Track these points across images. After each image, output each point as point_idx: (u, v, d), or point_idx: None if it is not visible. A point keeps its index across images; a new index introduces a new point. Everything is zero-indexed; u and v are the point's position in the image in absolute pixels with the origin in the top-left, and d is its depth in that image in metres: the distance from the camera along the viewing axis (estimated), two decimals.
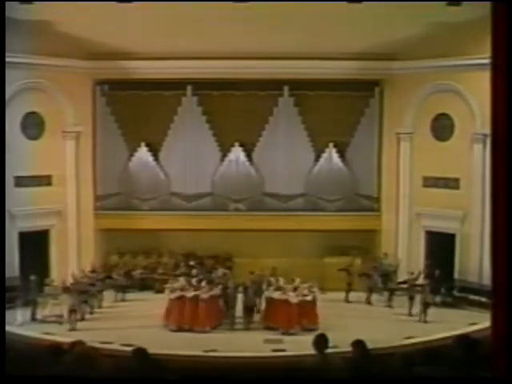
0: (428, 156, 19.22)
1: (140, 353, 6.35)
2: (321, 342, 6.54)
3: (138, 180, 20.32)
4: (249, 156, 20.39)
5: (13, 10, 15.05)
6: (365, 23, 16.75)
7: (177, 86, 20.01)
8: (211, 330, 15.80)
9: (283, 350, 13.83)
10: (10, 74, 15.60)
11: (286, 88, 20.07)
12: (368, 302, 18.24)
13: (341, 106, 19.91)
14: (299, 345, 13.10)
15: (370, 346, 6.67)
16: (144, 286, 19.69)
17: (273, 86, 19.95)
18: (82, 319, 16.21)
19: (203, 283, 16.69)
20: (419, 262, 19.22)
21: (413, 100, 19.42)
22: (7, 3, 11.46)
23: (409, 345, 12.90)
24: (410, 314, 16.83)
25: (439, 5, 15.48)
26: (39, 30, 17.21)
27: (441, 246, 19.04)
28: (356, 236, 19.53)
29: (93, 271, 18.08)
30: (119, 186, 20.33)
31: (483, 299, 16.33)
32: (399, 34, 17.92)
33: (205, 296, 16.06)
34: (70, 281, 16.91)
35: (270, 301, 16.26)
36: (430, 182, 19.39)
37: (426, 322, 16.28)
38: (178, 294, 16.30)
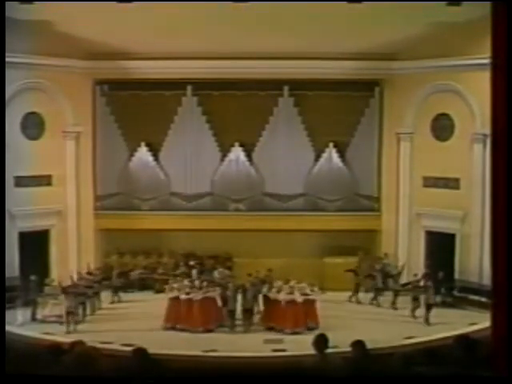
0: (428, 156, 19.21)
1: (140, 353, 6.35)
2: (321, 341, 6.54)
3: (138, 180, 20.32)
4: (249, 156, 20.39)
5: (13, 10, 15.04)
6: (365, 23, 16.73)
7: (177, 85, 20.01)
8: (205, 331, 15.73)
9: (283, 350, 13.84)
10: (9, 74, 15.58)
11: (285, 88, 20.06)
12: (374, 302, 18.10)
13: (341, 106, 19.91)
14: (299, 345, 13.11)
15: (370, 346, 6.67)
16: (144, 286, 19.69)
17: (273, 85, 19.95)
18: (80, 321, 16.11)
19: (203, 283, 16.73)
20: (419, 262, 19.21)
21: (413, 100, 19.41)
22: (7, 3, 11.47)
23: (409, 345, 12.90)
24: (414, 316, 16.70)
25: (439, 5, 15.47)
26: (39, 30, 17.20)
27: (441, 246, 19.03)
28: (356, 236, 19.52)
29: (89, 273, 17.98)
30: (119, 186, 20.32)
31: (483, 299, 16.31)
32: (399, 34, 17.91)
33: (198, 297, 16.07)
34: (67, 283, 16.87)
35: (274, 302, 16.16)
36: (430, 182, 19.38)
37: (429, 324, 16.12)
38: (175, 293, 16.35)
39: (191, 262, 19.35)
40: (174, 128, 20.26)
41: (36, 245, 18.80)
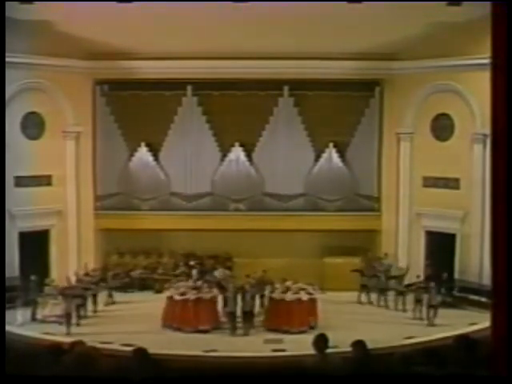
0: (428, 156, 19.22)
1: (140, 353, 6.35)
2: (321, 341, 6.53)
3: (138, 180, 20.32)
4: (249, 156, 20.39)
5: (13, 10, 15.08)
6: (365, 23, 16.75)
7: (177, 86, 20.02)
8: (196, 331, 15.67)
9: (283, 350, 13.83)
10: (10, 74, 15.64)
11: (285, 88, 20.07)
12: (380, 303, 18.05)
13: (341, 106, 19.91)
14: (299, 345, 13.10)
15: (370, 346, 6.66)
16: (144, 286, 19.69)
17: (273, 85, 19.96)
18: (79, 324, 16.07)
19: (202, 283, 16.75)
20: (419, 261, 19.21)
21: (413, 100, 19.42)
22: (7, 3, 11.48)
23: (409, 345, 12.90)
24: (417, 318, 16.62)
25: (439, 5, 15.50)
26: (39, 30, 17.21)
27: (441, 246, 19.03)
28: (356, 236, 19.52)
29: (87, 274, 17.92)
30: (119, 186, 20.33)
31: (483, 299, 16.32)
32: (399, 33, 17.92)
33: (192, 297, 16.07)
34: (63, 284, 16.83)
35: (280, 303, 16.11)
36: (430, 182, 19.39)
37: (434, 325, 15.95)
38: (171, 292, 16.42)
39: (191, 262, 19.36)
40: (174, 128, 20.27)
41: (36, 245, 18.81)
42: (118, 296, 18.54)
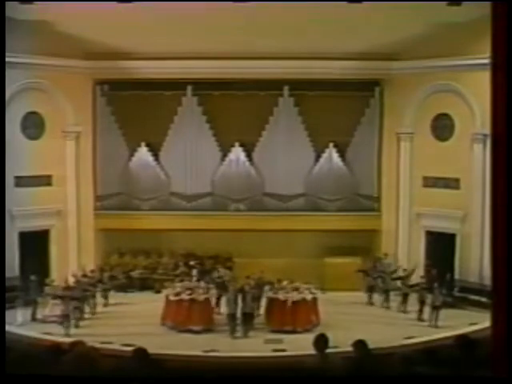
0: (428, 156, 19.21)
1: (140, 353, 6.35)
2: (321, 341, 6.53)
3: (138, 180, 20.32)
4: (249, 156, 20.39)
5: (13, 10, 15.07)
6: (365, 23, 16.74)
7: (177, 86, 20.01)
8: (187, 331, 15.66)
9: (283, 350, 13.83)
10: (9, 74, 15.63)
11: (285, 88, 20.07)
12: (384, 304, 17.97)
13: (341, 106, 19.90)
14: (299, 345, 13.10)
15: (370, 346, 6.66)
16: (144, 286, 19.69)
17: (273, 85, 19.94)
18: (78, 325, 16.04)
19: (200, 284, 16.78)
20: (419, 262, 19.19)
21: (413, 100, 19.41)
22: (7, 3, 11.48)
23: (409, 345, 12.89)
24: (421, 319, 16.58)
25: (439, 5, 15.47)
26: (39, 30, 17.22)
27: (441, 246, 19.03)
28: (356, 236, 19.51)
29: (85, 275, 17.84)
30: (119, 186, 20.32)
31: (483, 299, 16.30)
32: (399, 33, 17.92)
33: (186, 298, 16.06)
34: (62, 285, 16.81)
35: (283, 303, 16.08)
36: (430, 182, 19.39)
37: (438, 326, 15.86)
38: (168, 292, 16.49)
39: (191, 262, 19.36)
40: (174, 128, 20.27)
41: (36, 245, 18.81)
42: (118, 296, 18.54)
